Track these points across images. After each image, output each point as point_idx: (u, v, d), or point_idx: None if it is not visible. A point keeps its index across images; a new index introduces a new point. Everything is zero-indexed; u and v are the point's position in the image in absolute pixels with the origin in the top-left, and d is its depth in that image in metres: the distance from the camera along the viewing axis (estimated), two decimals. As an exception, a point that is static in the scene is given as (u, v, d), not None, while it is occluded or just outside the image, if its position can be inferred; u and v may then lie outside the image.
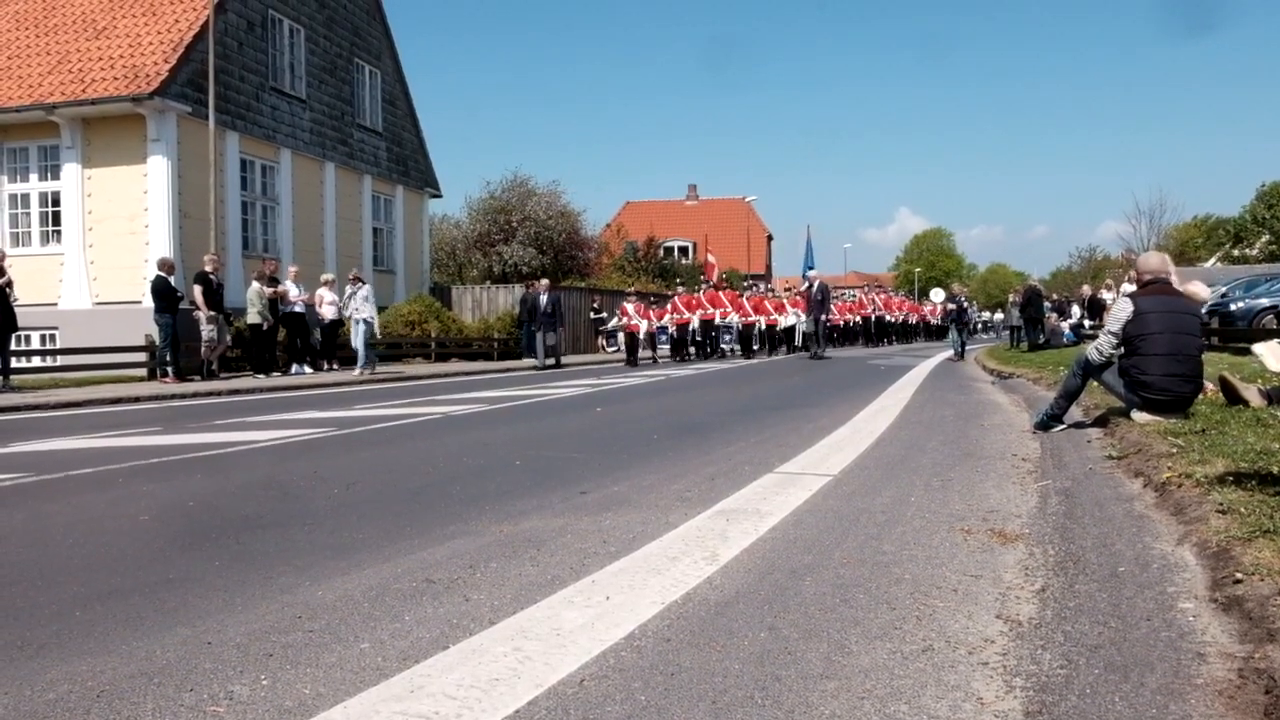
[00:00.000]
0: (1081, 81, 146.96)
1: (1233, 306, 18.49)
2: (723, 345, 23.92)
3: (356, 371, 16.73)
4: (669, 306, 22.81)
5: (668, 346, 23.19)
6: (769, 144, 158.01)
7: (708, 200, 58.75)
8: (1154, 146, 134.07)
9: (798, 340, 26.08)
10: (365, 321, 16.90)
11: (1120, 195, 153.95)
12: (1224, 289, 20.39)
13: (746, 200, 54.25)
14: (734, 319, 23.53)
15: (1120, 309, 6.17)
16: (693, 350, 23.10)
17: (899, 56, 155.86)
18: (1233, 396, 6.49)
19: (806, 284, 22.53)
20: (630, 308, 21.28)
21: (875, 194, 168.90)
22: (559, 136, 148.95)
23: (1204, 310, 8.25)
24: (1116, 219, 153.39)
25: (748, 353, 23.31)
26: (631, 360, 20.58)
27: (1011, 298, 25.63)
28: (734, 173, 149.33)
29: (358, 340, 16.98)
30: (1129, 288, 14.48)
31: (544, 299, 19.38)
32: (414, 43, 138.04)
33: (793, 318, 25.84)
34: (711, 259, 32.44)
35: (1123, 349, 6.11)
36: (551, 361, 19.37)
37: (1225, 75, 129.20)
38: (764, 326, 25.01)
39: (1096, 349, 6.31)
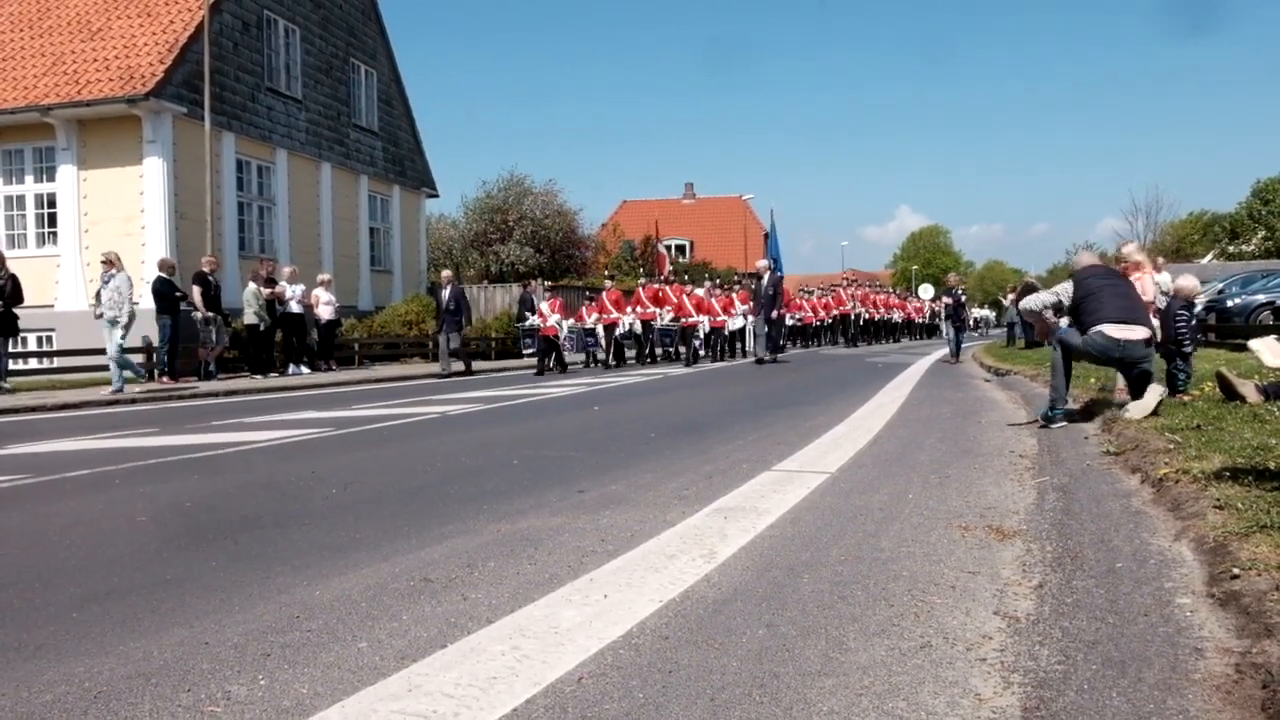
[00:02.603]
0: (1082, 80, 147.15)
1: (1229, 303, 18.54)
2: (662, 347, 20.45)
3: (108, 390, 12.34)
4: (595, 304, 19.13)
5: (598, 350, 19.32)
6: (767, 143, 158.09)
7: (705, 199, 58.78)
8: (1151, 143, 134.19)
9: (749, 344, 22.60)
10: (117, 321, 12.57)
11: (1119, 192, 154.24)
12: (1220, 285, 20.45)
13: (744, 199, 54.28)
14: (668, 318, 19.72)
15: (1063, 287, 6.85)
16: (630, 355, 19.83)
17: (899, 56, 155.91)
18: (1230, 392, 6.51)
19: (755, 277, 18.90)
20: (545, 306, 17.81)
21: (875, 192, 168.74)
22: (556, 135, 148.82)
23: (1200, 306, 8.40)
24: (1116, 216, 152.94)
25: (688, 359, 19.35)
26: (543, 367, 17.23)
27: (1010, 297, 25.50)
28: (731, 171, 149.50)
29: (110, 348, 12.61)
30: (1156, 278, 14.71)
31: (445, 294, 16.71)
32: (410, 42, 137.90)
33: (739, 319, 21.84)
34: (663, 250, 27.73)
35: (1073, 322, 6.71)
36: (460, 367, 16.69)
37: (1221, 73, 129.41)
38: (708, 328, 20.56)
39: (1049, 297, 6.90)
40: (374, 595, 3.01)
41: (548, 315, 17.58)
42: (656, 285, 20.66)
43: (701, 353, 20.46)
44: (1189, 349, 7.73)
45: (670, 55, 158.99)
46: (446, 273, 17.82)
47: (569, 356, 18.59)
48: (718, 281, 24.26)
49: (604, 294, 19.18)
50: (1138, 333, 6.36)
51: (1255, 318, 17.66)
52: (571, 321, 18.34)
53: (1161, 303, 8.61)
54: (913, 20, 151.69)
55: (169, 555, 3.71)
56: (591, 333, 18.70)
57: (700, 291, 21.21)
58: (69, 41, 18.41)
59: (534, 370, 17.27)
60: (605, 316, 18.81)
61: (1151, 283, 8.02)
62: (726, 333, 21.55)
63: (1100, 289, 6.57)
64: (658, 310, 19.54)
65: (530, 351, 18.43)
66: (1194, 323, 8.05)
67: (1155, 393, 6.21)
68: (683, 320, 19.76)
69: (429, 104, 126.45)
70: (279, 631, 2.67)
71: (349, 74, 23.43)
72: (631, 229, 44.32)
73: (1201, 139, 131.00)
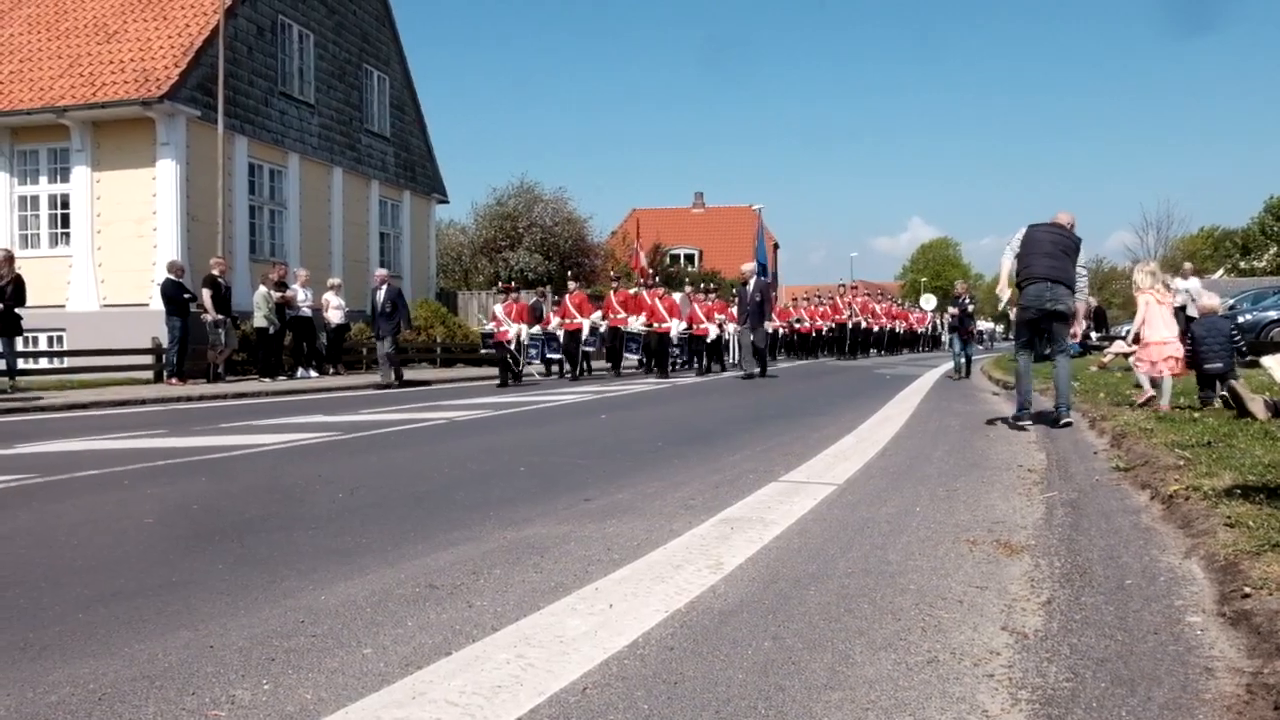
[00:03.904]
0: (1095, 93, 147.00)
1: (1240, 319, 18.42)
2: (635, 356, 18.31)
3: None
4: (558, 309, 17.31)
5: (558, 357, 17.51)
6: (778, 152, 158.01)
7: (715, 208, 58.85)
8: (1163, 158, 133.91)
9: (732, 355, 20.76)
10: None
11: (1131, 206, 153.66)
12: (1231, 301, 20.36)
13: (754, 208, 54.28)
14: (638, 325, 17.67)
15: (1017, 235, 7.55)
16: (586, 365, 17.62)
17: (912, 65, 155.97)
18: (1240, 408, 6.50)
19: (744, 284, 16.94)
20: (500, 310, 16.02)
21: (887, 203, 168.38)
22: (566, 143, 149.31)
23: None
24: (1127, 230, 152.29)
25: (659, 370, 17.32)
26: (505, 378, 15.35)
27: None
28: (742, 181, 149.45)
29: None
30: (1184, 283, 15.05)
31: (381, 294, 15.13)
32: (422, 48, 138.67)
33: (715, 328, 19.72)
34: (639, 250, 23.94)
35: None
36: (393, 377, 15.17)
37: (1235, 87, 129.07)
38: (680, 335, 18.22)
39: (1009, 247, 7.56)
40: (379, 601, 3.01)
41: (501, 320, 15.77)
42: (631, 290, 18.76)
43: (678, 363, 18.40)
44: (1245, 360, 8.04)
45: (682, 64, 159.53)
46: (381, 271, 16.30)
47: (528, 366, 16.70)
48: (700, 286, 22.42)
49: (567, 297, 17.29)
50: (1055, 288, 7.17)
51: (1266, 334, 17.58)
52: (536, 329, 16.68)
53: (1192, 310, 8.91)
54: (924, 30, 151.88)
55: (175, 557, 3.71)
56: (554, 339, 17.00)
57: (678, 296, 19.35)
58: (85, 44, 18.55)
59: (496, 382, 15.47)
60: (568, 322, 16.81)
61: (1157, 306, 7.98)
62: (708, 340, 19.50)
63: (1036, 243, 7.29)
64: (629, 317, 17.65)
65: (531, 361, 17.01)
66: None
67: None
68: (655, 327, 17.56)
69: (440, 109, 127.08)
70: (284, 636, 2.67)
71: (362, 79, 23.56)
72: (641, 237, 44.36)
73: (1214, 153, 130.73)
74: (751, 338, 16.18)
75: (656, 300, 17.98)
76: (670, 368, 17.85)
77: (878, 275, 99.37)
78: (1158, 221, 52.69)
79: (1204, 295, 8.63)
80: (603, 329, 17.59)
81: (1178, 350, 7.77)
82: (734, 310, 18.61)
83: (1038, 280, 7.18)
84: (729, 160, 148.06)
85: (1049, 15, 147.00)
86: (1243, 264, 55.28)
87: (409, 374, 16.02)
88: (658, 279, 20.96)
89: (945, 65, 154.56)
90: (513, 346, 15.67)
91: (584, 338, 17.04)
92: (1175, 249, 52.35)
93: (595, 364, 18.68)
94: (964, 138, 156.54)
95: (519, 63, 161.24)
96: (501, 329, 15.65)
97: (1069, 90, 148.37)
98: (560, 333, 17.02)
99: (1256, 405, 6.41)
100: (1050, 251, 7.24)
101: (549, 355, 17.31)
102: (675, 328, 17.78)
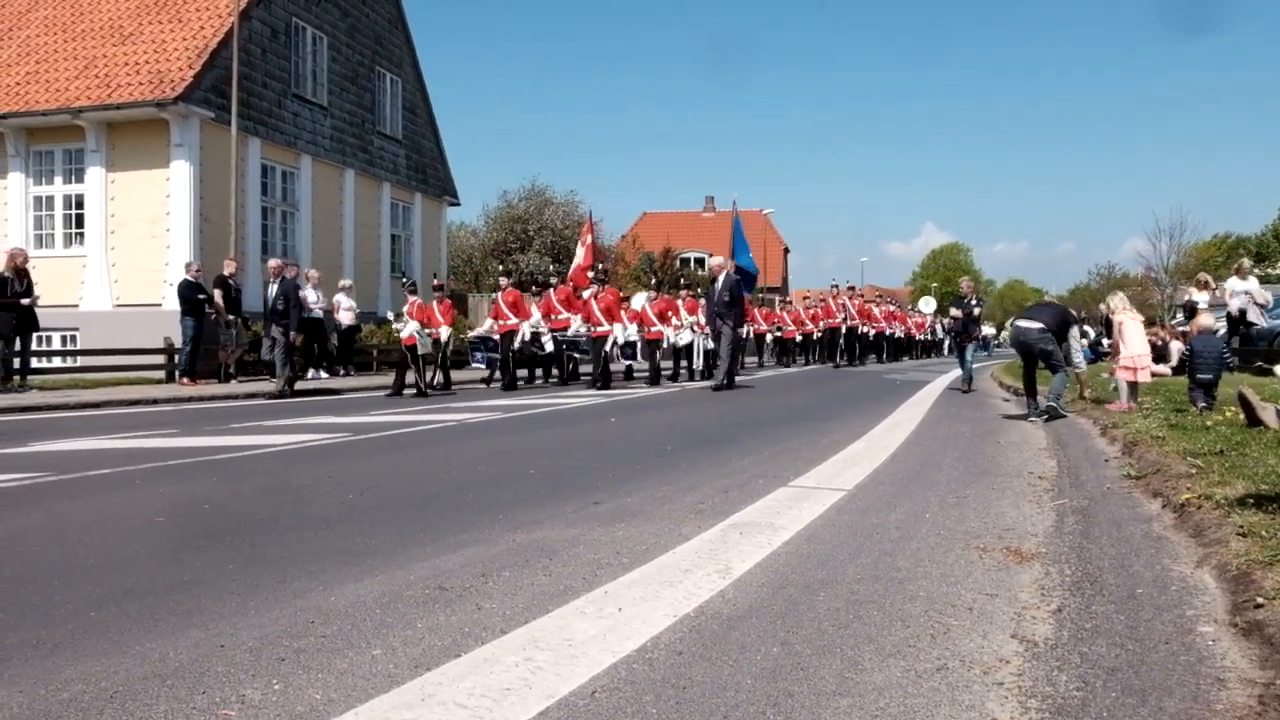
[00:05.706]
0: (1110, 99, 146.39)
1: (1254, 327, 18.26)
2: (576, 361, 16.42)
3: None
4: (491, 309, 15.65)
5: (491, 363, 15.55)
6: (790, 157, 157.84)
7: (725, 212, 58.81)
8: (1176, 164, 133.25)
9: (696, 361, 18.17)
10: None
11: (1143, 213, 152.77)
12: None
13: (764, 213, 54.25)
14: (577, 325, 15.55)
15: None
16: (524, 371, 15.95)
17: (923, 70, 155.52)
18: (1252, 417, 6.45)
19: (713, 281, 15.12)
20: (405, 310, 13.98)
21: (900, 208, 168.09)
22: (577, 146, 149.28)
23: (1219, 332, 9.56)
24: (1140, 237, 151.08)
25: (596, 378, 14.90)
26: (397, 387, 13.49)
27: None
28: (753, 185, 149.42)
29: None
30: (1241, 283, 14.97)
31: (273, 289, 13.28)
32: (434, 51, 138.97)
33: (687, 333, 17.51)
34: (589, 241, 20.24)
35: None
36: (284, 384, 12.95)
37: (1247, 91, 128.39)
38: (630, 338, 15.89)
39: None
40: (389, 602, 3.02)
41: (406, 321, 13.69)
42: (573, 288, 16.82)
43: (620, 367, 16.45)
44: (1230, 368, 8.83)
45: (693, 68, 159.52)
46: (274, 262, 14.31)
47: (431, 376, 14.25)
48: (654, 282, 19.88)
49: (499, 295, 15.60)
50: (1027, 324, 9.15)
51: (1279, 342, 17.42)
52: (476, 332, 15.18)
53: (1254, 313, 12.26)
54: (930, 33, 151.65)
55: (186, 556, 3.73)
56: (482, 343, 15.53)
57: (642, 296, 17.57)
58: (101, 45, 18.68)
59: (388, 391, 13.66)
60: (501, 323, 15.19)
61: (1130, 324, 9.25)
62: (665, 345, 17.29)
63: (1031, 305, 10.40)
64: (571, 318, 15.81)
65: (478, 365, 15.69)
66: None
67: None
68: (593, 330, 15.36)
69: (452, 112, 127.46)
70: (294, 636, 2.68)
71: (374, 82, 23.64)
72: (651, 241, 44.40)
73: (1228, 160, 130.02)
74: (720, 342, 14.49)
75: (593, 301, 15.54)
76: (603, 376, 15.07)
77: (889, 281, 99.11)
78: (1171, 228, 52.35)
79: (1201, 315, 9.67)
80: (544, 331, 15.68)
81: (1148, 361, 9.15)
82: (702, 316, 16.86)
83: (1015, 323, 9.69)
84: (740, 164, 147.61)
85: (1061, 20, 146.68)
86: (1256, 271, 54.88)
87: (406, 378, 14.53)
88: (603, 272, 18.08)
89: (957, 70, 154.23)
90: (419, 350, 13.60)
91: (519, 342, 15.33)
92: (1188, 256, 52.07)
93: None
94: (978, 143, 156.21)
95: (530, 66, 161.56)
96: (405, 334, 13.57)
97: (1082, 96, 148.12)
98: (495, 335, 15.36)
99: (1268, 414, 6.37)
100: (1034, 304, 10.00)
101: (483, 355, 15.72)
102: (617, 332, 15.50)
